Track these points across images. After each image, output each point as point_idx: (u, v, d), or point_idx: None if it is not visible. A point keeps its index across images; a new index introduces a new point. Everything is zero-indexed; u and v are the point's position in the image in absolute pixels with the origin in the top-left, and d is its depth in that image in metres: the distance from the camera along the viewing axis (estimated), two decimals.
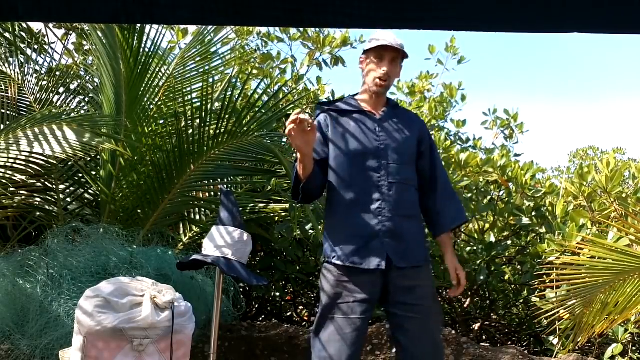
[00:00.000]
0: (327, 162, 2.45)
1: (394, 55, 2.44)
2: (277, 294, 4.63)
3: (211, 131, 3.68)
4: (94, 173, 3.89)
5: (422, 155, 2.52)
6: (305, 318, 4.72)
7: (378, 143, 2.42)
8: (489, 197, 4.23)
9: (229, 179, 4.20)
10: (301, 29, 5.02)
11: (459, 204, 2.57)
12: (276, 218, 4.11)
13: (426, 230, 2.61)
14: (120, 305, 2.03)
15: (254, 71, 4.90)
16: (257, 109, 3.94)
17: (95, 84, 4.29)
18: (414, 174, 2.49)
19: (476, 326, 4.41)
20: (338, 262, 2.36)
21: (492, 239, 4.16)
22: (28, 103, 4.04)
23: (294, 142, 2.20)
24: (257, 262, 4.32)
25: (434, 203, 2.51)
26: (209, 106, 3.78)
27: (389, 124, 2.48)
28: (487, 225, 4.41)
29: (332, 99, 4.99)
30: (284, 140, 4.72)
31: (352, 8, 0.68)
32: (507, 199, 4.15)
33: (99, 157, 3.78)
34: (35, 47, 4.57)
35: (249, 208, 4.01)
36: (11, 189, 3.35)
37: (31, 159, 3.10)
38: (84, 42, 4.93)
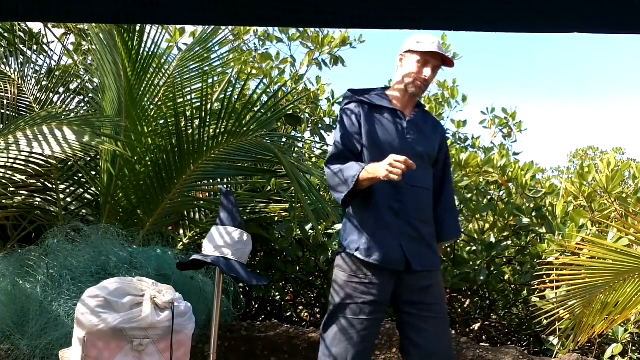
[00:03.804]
0: (361, 155, 2.46)
1: (437, 64, 2.46)
2: (277, 294, 4.63)
3: (211, 131, 3.68)
4: (93, 173, 3.88)
5: (438, 163, 2.57)
6: (305, 318, 4.71)
7: (405, 145, 2.43)
8: (489, 197, 4.23)
9: (229, 179, 4.20)
10: (301, 29, 5.02)
11: (456, 219, 2.63)
12: (276, 218, 4.10)
13: None
14: (120, 305, 2.03)
15: (253, 71, 4.90)
16: (256, 109, 3.94)
17: (95, 84, 4.28)
18: (432, 179, 2.53)
19: (476, 326, 4.41)
20: (359, 256, 2.37)
21: (492, 239, 4.15)
22: (28, 103, 4.03)
23: (389, 177, 2.15)
24: (257, 262, 4.32)
25: (436, 212, 2.55)
26: (208, 106, 3.78)
27: (417, 127, 2.50)
28: (487, 226, 4.41)
29: (333, 96, 4.97)
30: (284, 140, 4.72)
31: (352, 8, 0.68)
32: (507, 199, 4.15)
33: (98, 157, 3.78)
34: (35, 47, 4.56)
35: (249, 208, 4.01)
36: (11, 189, 3.35)
37: (31, 159, 3.09)
38: (83, 42, 4.93)
